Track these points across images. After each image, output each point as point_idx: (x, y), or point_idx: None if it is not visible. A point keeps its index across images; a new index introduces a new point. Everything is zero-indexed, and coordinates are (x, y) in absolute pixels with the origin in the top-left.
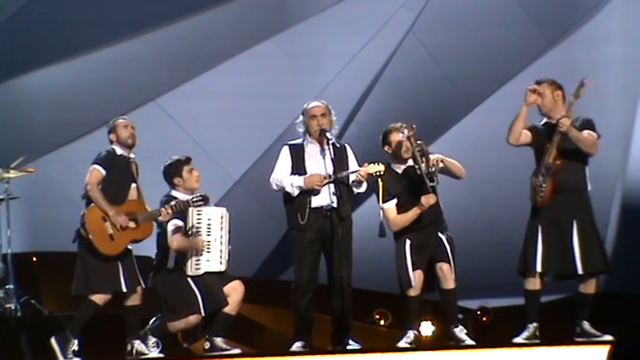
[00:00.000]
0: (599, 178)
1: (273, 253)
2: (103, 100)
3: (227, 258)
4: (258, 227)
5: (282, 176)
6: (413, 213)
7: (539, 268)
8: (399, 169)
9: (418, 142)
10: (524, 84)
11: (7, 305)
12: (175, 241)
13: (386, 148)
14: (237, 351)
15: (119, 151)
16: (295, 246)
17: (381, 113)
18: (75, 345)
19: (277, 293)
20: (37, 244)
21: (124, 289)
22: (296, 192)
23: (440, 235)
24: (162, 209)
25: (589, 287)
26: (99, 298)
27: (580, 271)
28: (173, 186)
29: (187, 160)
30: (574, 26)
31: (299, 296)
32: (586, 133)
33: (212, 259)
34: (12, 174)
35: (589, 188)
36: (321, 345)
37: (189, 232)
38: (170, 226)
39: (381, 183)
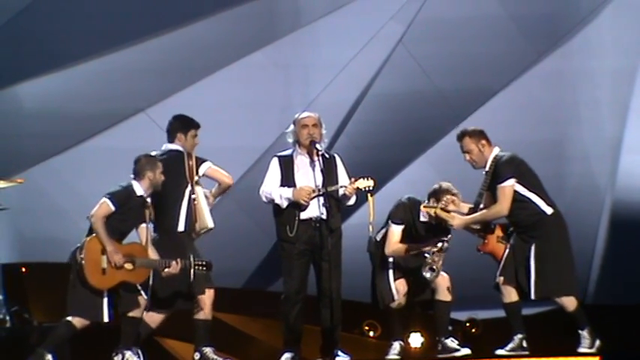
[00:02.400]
0: (588, 189)
1: (263, 264)
2: (93, 111)
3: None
4: (247, 238)
5: (272, 188)
6: (410, 252)
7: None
8: (425, 217)
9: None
10: (513, 96)
11: None
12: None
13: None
14: None
15: (139, 191)
16: (284, 257)
17: (370, 124)
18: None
19: (266, 304)
20: (27, 255)
21: (106, 320)
22: (285, 204)
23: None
24: (174, 262)
25: (569, 305)
26: (78, 322)
27: (532, 296)
28: (140, 179)
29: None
30: (564, 38)
31: (288, 307)
32: (478, 214)
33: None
34: (1, 185)
35: (549, 213)
36: (310, 356)
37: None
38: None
39: (371, 199)
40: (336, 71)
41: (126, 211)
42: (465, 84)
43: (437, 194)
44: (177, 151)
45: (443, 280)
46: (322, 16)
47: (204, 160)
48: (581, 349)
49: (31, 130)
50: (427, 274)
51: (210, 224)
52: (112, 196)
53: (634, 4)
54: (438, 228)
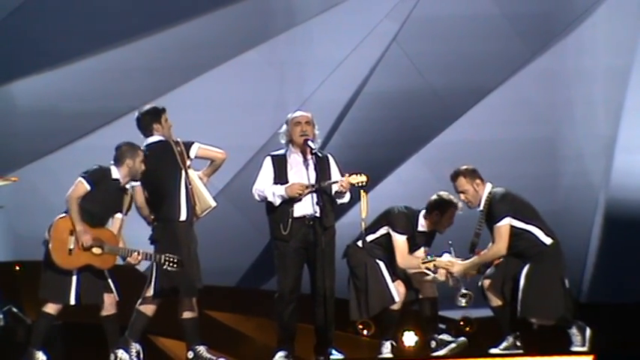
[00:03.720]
0: (582, 188)
1: (257, 263)
2: (87, 109)
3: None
4: (241, 237)
5: (265, 186)
6: (419, 269)
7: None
8: (424, 227)
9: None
10: (507, 95)
11: None
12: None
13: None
14: None
15: (115, 174)
16: (278, 256)
17: (364, 123)
18: (41, 356)
19: (260, 303)
20: (20, 253)
21: (72, 302)
22: (278, 201)
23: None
24: (135, 253)
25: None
26: (51, 308)
27: (519, 313)
28: (119, 165)
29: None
30: (557, 37)
31: (282, 306)
32: (477, 258)
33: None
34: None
35: (548, 243)
36: (303, 355)
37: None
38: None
39: (364, 194)
40: (330, 69)
41: (100, 194)
42: (458, 82)
43: (441, 207)
44: (160, 141)
45: (427, 277)
46: (316, 15)
47: (191, 143)
48: (573, 348)
49: (26, 129)
50: (462, 302)
51: (212, 203)
52: (87, 175)
53: (627, 4)
54: (432, 237)
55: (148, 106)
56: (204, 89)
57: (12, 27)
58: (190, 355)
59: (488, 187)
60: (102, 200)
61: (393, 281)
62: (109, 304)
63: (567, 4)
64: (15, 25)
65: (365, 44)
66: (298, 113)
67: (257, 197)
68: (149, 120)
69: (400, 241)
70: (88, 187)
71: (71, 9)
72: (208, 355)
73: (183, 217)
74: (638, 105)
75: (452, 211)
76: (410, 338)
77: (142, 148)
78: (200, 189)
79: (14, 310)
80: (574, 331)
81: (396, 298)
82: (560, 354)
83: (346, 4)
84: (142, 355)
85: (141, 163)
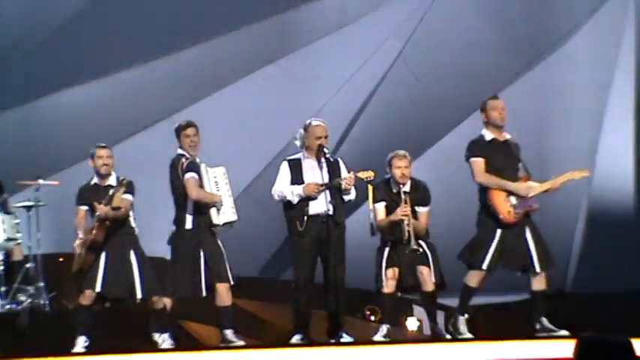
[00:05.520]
0: (568, 191)
1: (275, 255)
2: (122, 118)
3: (234, 210)
4: (261, 231)
5: (283, 187)
6: (391, 218)
7: (484, 267)
8: (395, 188)
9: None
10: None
11: (38, 301)
12: (195, 192)
13: (388, 170)
14: (242, 343)
15: (94, 179)
16: (294, 250)
17: (372, 131)
18: (83, 339)
19: (279, 291)
20: (63, 246)
21: (97, 289)
22: (296, 199)
23: (420, 241)
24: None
25: (541, 284)
26: (84, 298)
27: (537, 269)
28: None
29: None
30: (544, 54)
31: (298, 295)
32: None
33: (226, 211)
34: (40, 182)
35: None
36: (317, 338)
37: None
38: (187, 177)
39: (371, 188)
40: (341, 83)
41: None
42: (456, 94)
43: (390, 162)
44: (176, 154)
45: (425, 271)
46: (329, 34)
47: (188, 170)
48: (557, 333)
49: (68, 135)
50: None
51: (215, 220)
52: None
53: (607, 24)
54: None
55: (180, 122)
56: (229, 100)
57: (57, 43)
58: (223, 336)
59: None
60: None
61: (387, 267)
62: (160, 300)
63: (553, 25)
64: (58, 42)
65: (373, 60)
66: (316, 123)
67: (276, 197)
68: (176, 134)
69: (377, 208)
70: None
71: (109, 27)
72: (234, 339)
73: (188, 225)
74: (617, 115)
75: (395, 161)
76: (412, 323)
77: None
78: (227, 200)
79: (58, 297)
80: (544, 320)
81: (383, 283)
82: (543, 338)
83: (355, 24)
84: (174, 338)
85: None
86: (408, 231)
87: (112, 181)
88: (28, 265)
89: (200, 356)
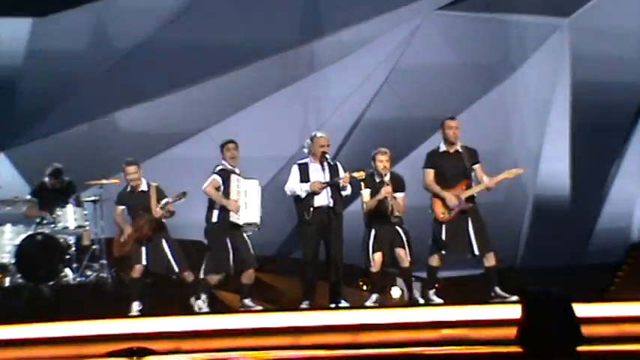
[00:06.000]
0: (517, 188)
1: (288, 239)
2: (167, 131)
3: (258, 215)
4: (277, 220)
5: (294, 185)
6: (377, 197)
7: (439, 251)
8: (378, 178)
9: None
10: (465, 120)
11: (101, 275)
12: (207, 189)
13: (372, 164)
14: (260, 308)
15: (129, 187)
16: (303, 235)
17: (364, 140)
18: (137, 305)
19: (291, 267)
20: None
21: (144, 263)
22: (304, 194)
23: (397, 227)
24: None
25: (491, 262)
26: (134, 272)
27: (477, 253)
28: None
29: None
30: (500, 79)
31: (306, 269)
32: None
33: (246, 214)
34: (103, 182)
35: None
36: (321, 303)
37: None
38: (210, 178)
39: (363, 185)
40: (340, 103)
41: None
42: (431, 112)
43: (373, 158)
44: (219, 164)
45: (402, 252)
46: (331, 64)
47: (215, 173)
48: (510, 299)
49: (125, 144)
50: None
51: (232, 219)
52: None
53: (549, 55)
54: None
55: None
56: (253, 116)
57: (117, 73)
58: (240, 304)
59: None
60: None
61: (375, 252)
62: (189, 274)
63: (507, 57)
64: (118, 71)
65: (365, 84)
66: (320, 135)
67: (288, 193)
68: (220, 150)
69: (363, 193)
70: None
71: (156, 62)
72: (251, 304)
73: (214, 219)
74: (556, 127)
75: (378, 156)
76: (396, 292)
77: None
78: (252, 204)
79: (118, 272)
80: (498, 290)
81: (372, 263)
82: (497, 303)
83: (351, 56)
84: (207, 302)
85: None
86: (392, 205)
87: (143, 187)
88: (94, 247)
89: (231, 318)
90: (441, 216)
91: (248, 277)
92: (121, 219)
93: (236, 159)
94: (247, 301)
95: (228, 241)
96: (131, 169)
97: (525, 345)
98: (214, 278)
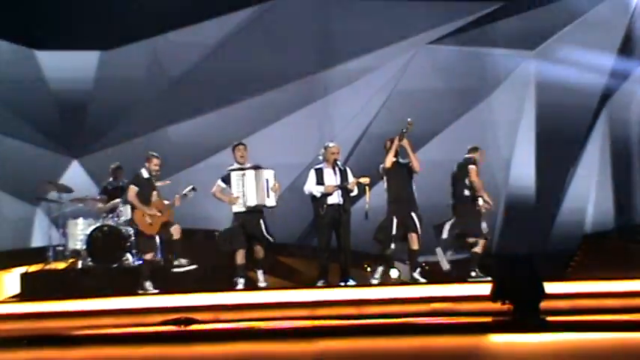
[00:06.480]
0: (492, 188)
1: (306, 230)
2: (209, 142)
3: (255, 199)
4: (297, 215)
5: (311, 186)
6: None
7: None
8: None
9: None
10: (449, 134)
11: (155, 258)
12: (214, 190)
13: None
14: (264, 284)
15: (145, 174)
16: (318, 227)
17: (368, 150)
18: (149, 285)
19: (308, 252)
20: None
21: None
22: (319, 195)
23: (412, 214)
24: (175, 199)
25: (479, 249)
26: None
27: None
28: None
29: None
30: (477, 101)
31: (321, 254)
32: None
33: (248, 201)
34: (159, 184)
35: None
36: (333, 282)
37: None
38: (216, 184)
39: (367, 188)
40: (349, 120)
41: (141, 188)
42: (421, 127)
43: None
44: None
45: (415, 236)
46: (341, 88)
47: (220, 178)
48: (485, 279)
49: (175, 154)
50: None
51: (237, 209)
52: (131, 182)
53: (518, 81)
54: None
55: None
56: (276, 130)
57: (169, 93)
58: (260, 276)
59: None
60: (144, 191)
61: (397, 234)
62: (242, 256)
63: (483, 83)
64: (170, 92)
65: (368, 105)
66: (332, 145)
67: (307, 193)
68: (232, 151)
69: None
70: (136, 189)
71: (201, 85)
72: (262, 277)
73: (235, 210)
74: (524, 140)
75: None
76: (394, 273)
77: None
78: (253, 190)
79: (168, 256)
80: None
81: (392, 246)
82: (475, 282)
83: (357, 82)
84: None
85: (154, 165)
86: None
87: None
88: None
89: (260, 294)
90: None
91: (257, 251)
92: (138, 200)
93: (245, 157)
94: (260, 273)
95: (244, 223)
96: (158, 161)
97: (497, 299)
98: (240, 255)
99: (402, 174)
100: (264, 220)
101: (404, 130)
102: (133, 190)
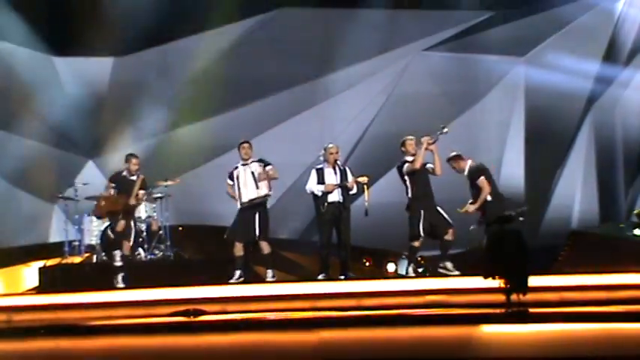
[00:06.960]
0: None
1: (308, 226)
2: (217, 143)
3: (255, 192)
4: (300, 212)
5: (312, 185)
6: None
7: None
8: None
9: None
10: (445, 136)
11: (166, 254)
12: (227, 189)
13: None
14: (273, 279)
15: (124, 173)
16: (319, 224)
17: (367, 150)
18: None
19: (310, 247)
20: (181, 220)
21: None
22: (320, 193)
23: (438, 208)
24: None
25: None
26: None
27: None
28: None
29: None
30: (470, 105)
31: (322, 250)
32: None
33: (247, 195)
34: (169, 183)
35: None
36: (333, 275)
37: None
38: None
39: (366, 187)
40: (349, 121)
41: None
42: (418, 128)
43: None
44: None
45: (451, 230)
46: (342, 92)
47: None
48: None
49: (184, 154)
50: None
51: (239, 204)
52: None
53: (509, 86)
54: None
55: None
56: (280, 132)
57: (178, 97)
58: (269, 273)
59: (469, 162)
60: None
61: (424, 228)
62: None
63: (476, 87)
64: (178, 97)
65: (367, 108)
66: (331, 146)
67: (308, 191)
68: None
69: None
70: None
71: (210, 89)
72: (272, 276)
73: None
74: (514, 141)
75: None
76: (391, 267)
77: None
78: (244, 186)
79: (178, 251)
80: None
81: (421, 237)
82: (468, 276)
83: (357, 86)
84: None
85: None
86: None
87: (134, 177)
88: (160, 232)
89: (264, 287)
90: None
91: (262, 247)
92: (112, 192)
93: (249, 154)
94: (270, 272)
95: (243, 218)
96: (136, 160)
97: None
98: (238, 248)
99: (425, 173)
100: (260, 215)
101: (439, 133)
102: (109, 185)
